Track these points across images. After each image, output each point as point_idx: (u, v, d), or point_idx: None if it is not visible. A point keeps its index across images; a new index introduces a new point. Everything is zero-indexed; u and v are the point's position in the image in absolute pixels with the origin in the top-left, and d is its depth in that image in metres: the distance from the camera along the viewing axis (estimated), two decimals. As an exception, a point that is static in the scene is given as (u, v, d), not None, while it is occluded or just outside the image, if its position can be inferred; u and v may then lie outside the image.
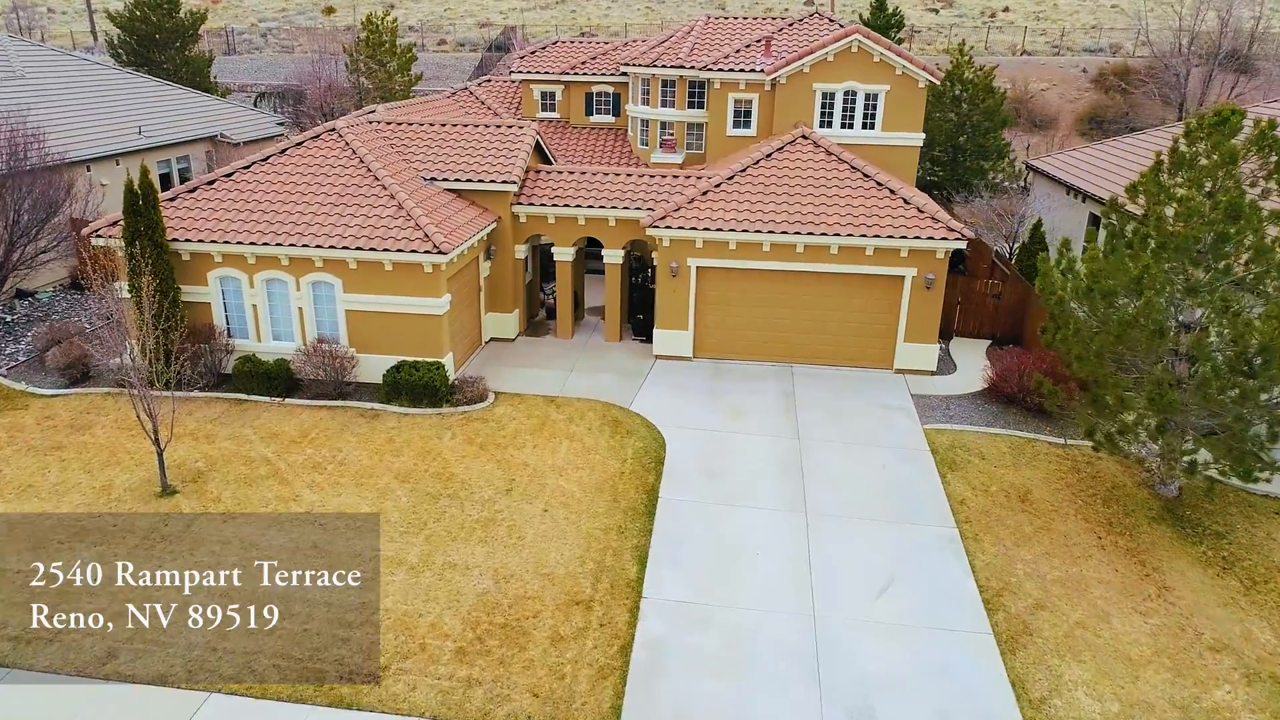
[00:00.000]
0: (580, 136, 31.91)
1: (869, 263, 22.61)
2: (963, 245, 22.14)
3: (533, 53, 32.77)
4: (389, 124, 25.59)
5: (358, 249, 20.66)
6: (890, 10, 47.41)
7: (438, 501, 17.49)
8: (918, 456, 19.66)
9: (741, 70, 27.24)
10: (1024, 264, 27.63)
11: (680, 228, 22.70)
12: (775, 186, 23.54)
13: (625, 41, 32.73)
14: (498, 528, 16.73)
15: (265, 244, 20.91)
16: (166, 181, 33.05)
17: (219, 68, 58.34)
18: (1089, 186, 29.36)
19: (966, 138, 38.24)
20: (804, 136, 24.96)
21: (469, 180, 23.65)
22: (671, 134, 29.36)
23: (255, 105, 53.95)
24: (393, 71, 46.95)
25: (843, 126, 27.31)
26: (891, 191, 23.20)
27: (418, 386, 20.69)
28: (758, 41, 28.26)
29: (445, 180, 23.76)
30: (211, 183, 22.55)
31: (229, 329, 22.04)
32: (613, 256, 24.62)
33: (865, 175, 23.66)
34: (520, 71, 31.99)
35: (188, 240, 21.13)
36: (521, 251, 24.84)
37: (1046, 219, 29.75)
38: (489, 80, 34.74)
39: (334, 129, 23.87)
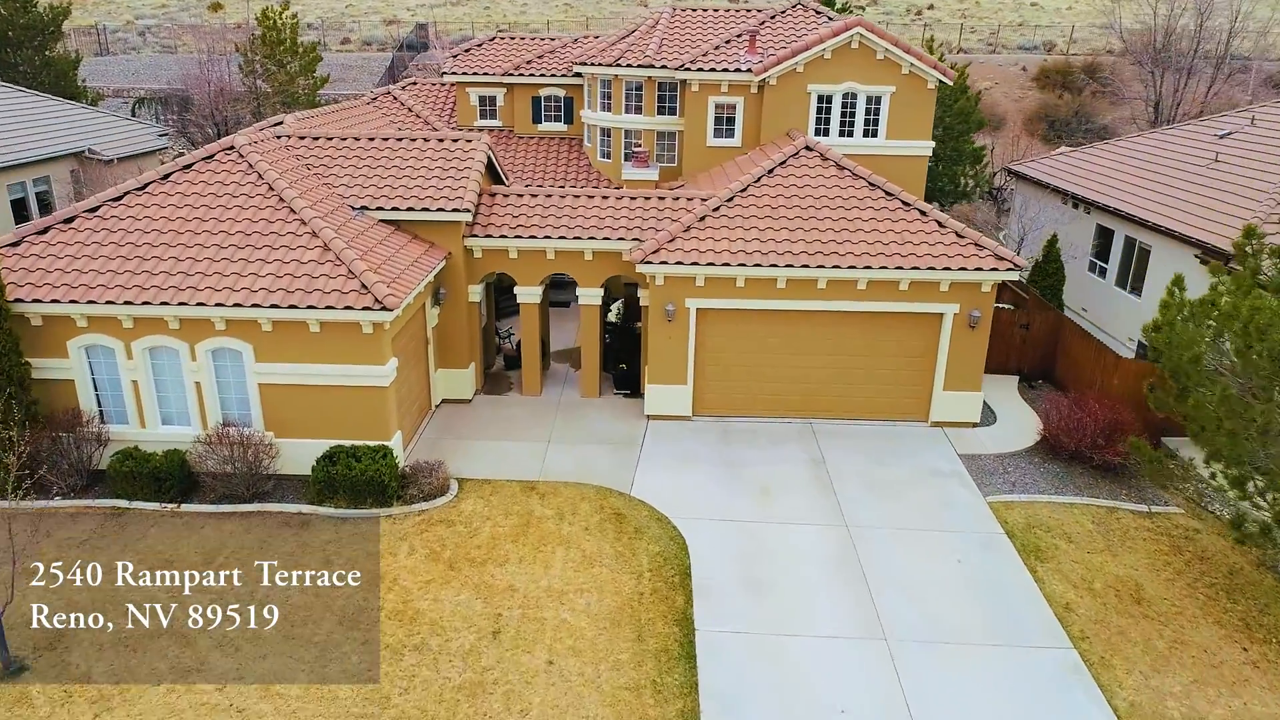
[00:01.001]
0: (528, 148, 27.19)
1: (903, 299, 18.72)
2: (1015, 276, 18.44)
3: (468, 50, 27.88)
4: (303, 139, 20.44)
5: (273, 306, 15.59)
6: (840, 6, 44.00)
7: (401, 659, 12.69)
8: (994, 542, 15.80)
9: (724, 70, 23.02)
10: (1041, 286, 24.27)
11: (678, 263, 18.34)
12: (785, 209, 19.41)
13: (575, 38, 28.16)
14: (490, 697, 12.06)
15: (146, 303, 15.65)
16: (21, 210, 26.88)
17: (89, 70, 51.08)
18: (1101, 197, 26.22)
19: (937, 142, 34.97)
20: (808, 148, 20.92)
21: (410, 209, 18.76)
22: (640, 145, 24.94)
23: (134, 113, 47.15)
24: (294, 73, 41.12)
25: (841, 134, 23.41)
26: (922, 213, 19.35)
27: (359, 483, 15.77)
28: (739, 36, 24.10)
29: (380, 210, 18.81)
30: (70, 220, 17.07)
31: (101, 414, 16.65)
32: (589, 296, 20.08)
33: (888, 194, 19.75)
34: (454, 72, 27.08)
35: (36, 300, 15.68)
36: (476, 293, 20.08)
37: (1037, 231, 26.56)
38: (415, 83, 29.65)
39: (233, 146, 18.64)
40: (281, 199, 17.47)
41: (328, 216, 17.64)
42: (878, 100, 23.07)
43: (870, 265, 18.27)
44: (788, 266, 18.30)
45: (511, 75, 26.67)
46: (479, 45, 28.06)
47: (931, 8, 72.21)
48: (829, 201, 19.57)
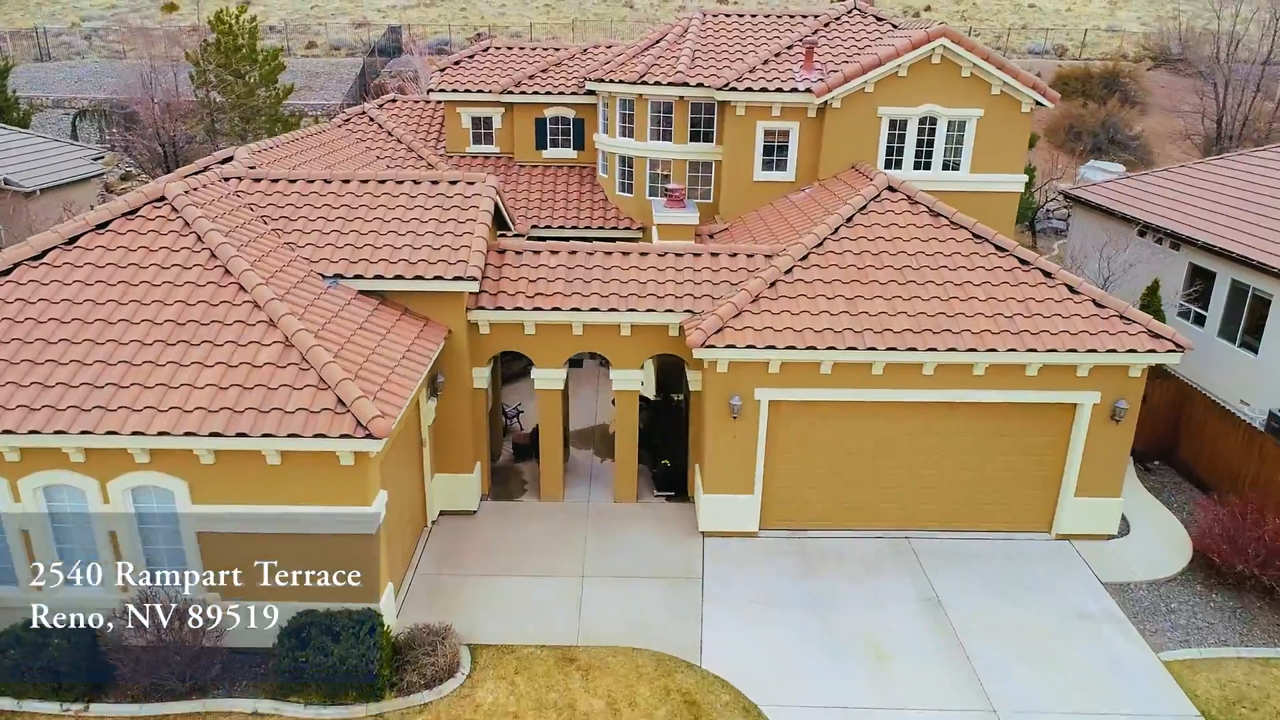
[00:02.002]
0: (532, 179, 22.76)
1: (1030, 386, 14.60)
2: (1176, 359, 14.39)
3: (457, 63, 23.38)
4: (257, 181, 15.89)
5: (213, 435, 11.10)
6: (856, 8, 39.83)
7: None
8: (1191, 732, 11.76)
9: (777, 90, 18.75)
10: (1145, 342, 20.27)
11: (749, 346, 14.08)
12: (874, 269, 15.21)
13: (585, 48, 23.72)
14: None
15: (34, 431, 11.08)
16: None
17: (25, 78, 45.77)
18: (1198, 233, 22.32)
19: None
20: (891, 188, 16.75)
21: (399, 277, 14.28)
22: (673, 180, 20.65)
23: (74, 128, 42.02)
24: (254, 84, 36.27)
25: (917, 165, 19.26)
26: (1046, 275, 15.25)
27: (338, 671, 11.34)
28: (790, 49, 19.85)
29: (360, 279, 14.34)
30: (-66, 306, 12.44)
31: (-24, 576, 12.08)
32: (626, 380, 15.76)
33: (999, 248, 15.63)
34: (442, 89, 22.57)
35: (-126, 430, 11.08)
36: (482, 377, 15.68)
37: (1096, 263, 22.61)
38: (394, 100, 25.07)
39: (164, 197, 14.05)
40: (227, 270, 12.95)
41: (290, 293, 13.14)
42: (961, 126, 18.94)
43: (994, 346, 14.12)
44: (889, 350, 14.10)
45: (511, 93, 22.22)
46: (470, 57, 23.56)
47: (929, 9, 68.51)
48: (928, 260, 15.39)
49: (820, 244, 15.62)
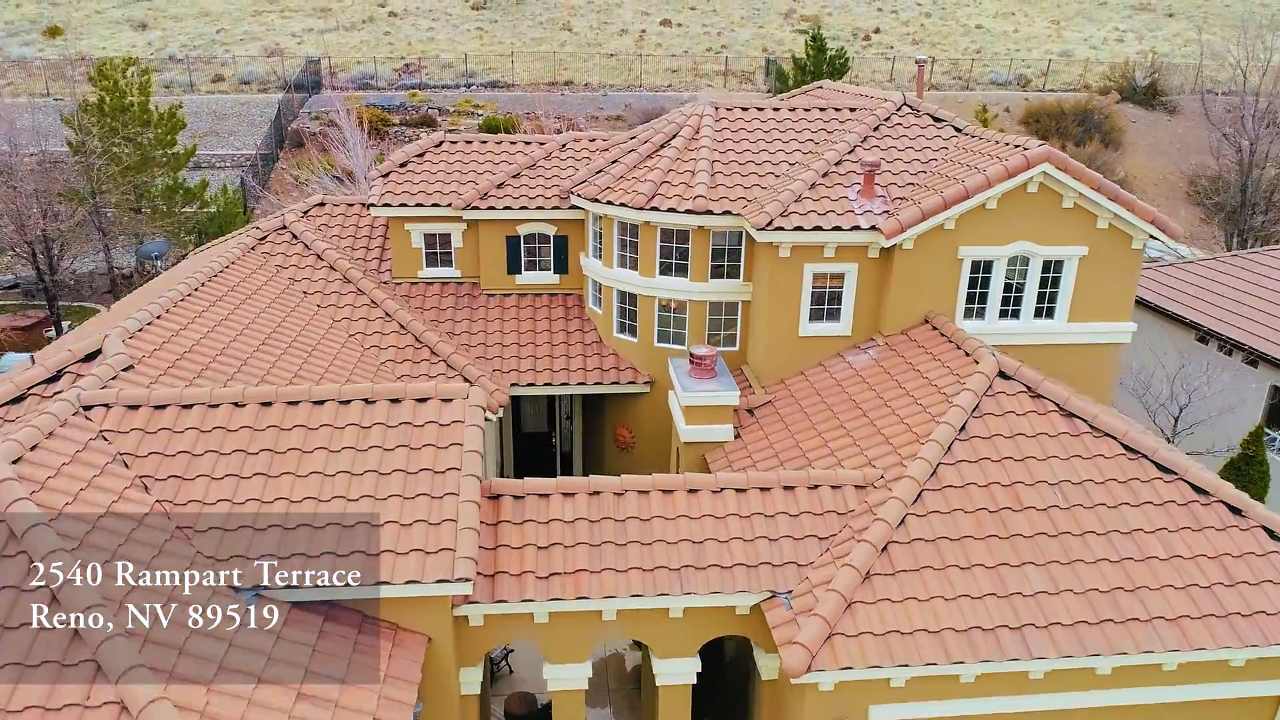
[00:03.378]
0: (504, 313, 17.89)
1: (1230, 679, 10.61)
2: None
3: (404, 165, 18.30)
4: (133, 410, 10.72)
5: None
6: (833, 52, 35.97)
7: None
8: None
9: (835, 229, 14.33)
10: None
11: (873, 665, 9.67)
12: (1013, 513, 10.96)
13: (565, 141, 18.84)
14: None
15: None
16: None
17: None
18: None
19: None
20: (1003, 374, 12.57)
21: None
22: (693, 340, 16.10)
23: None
24: (151, 146, 30.37)
25: (1003, 315, 15.11)
26: (1235, 511, 11.25)
27: None
28: (838, 164, 15.44)
29: (294, 587, 9.41)
30: None
31: None
32: (676, 673, 11.19)
33: (1164, 470, 11.57)
34: (387, 203, 17.53)
35: None
36: (472, 681, 10.93)
37: (1167, 385, 19.12)
38: (321, 204, 19.83)
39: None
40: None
41: (177, 625, 8.20)
42: (1059, 266, 14.86)
43: (1202, 645, 10.04)
44: (1065, 657, 9.89)
45: (477, 208, 17.32)
46: (419, 155, 18.50)
47: (878, 31, 65.39)
48: (1078, 494, 11.22)
49: (933, 473, 11.31)
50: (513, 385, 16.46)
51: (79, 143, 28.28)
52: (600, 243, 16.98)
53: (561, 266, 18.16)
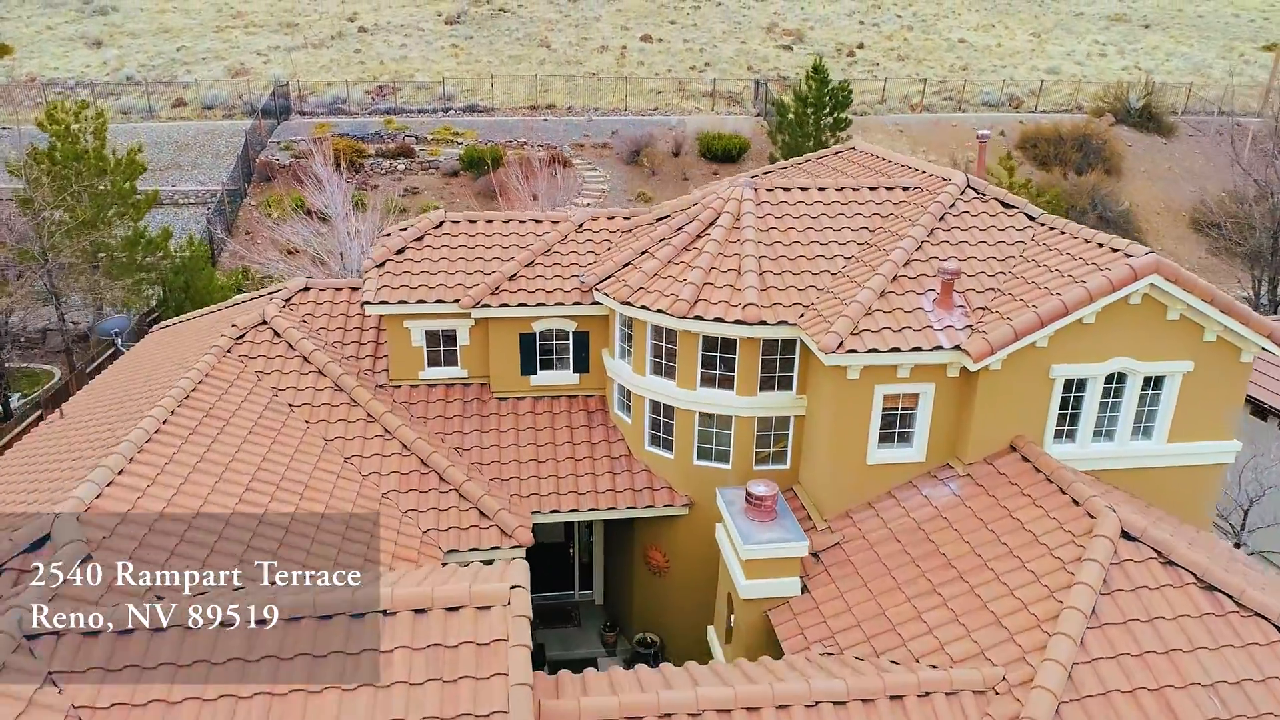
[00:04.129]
0: (518, 419, 15.69)
1: None
2: None
3: (401, 252, 16.03)
4: (48, 639, 8.45)
5: None
6: (834, 85, 34.08)
7: None
8: None
9: (915, 349, 12.37)
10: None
11: None
12: (1170, 734, 9.11)
13: (582, 221, 16.64)
14: None
15: None
16: None
17: None
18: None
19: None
20: (1127, 535, 10.70)
21: None
22: (740, 461, 14.08)
23: None
24: (109, 195, 27.66)
25: (1097, 436, 13.26)
26: None
27: None
28: (906, 265, 13.46)
29: None
30: None
31: None
32: None
33: (1331, 661, 9.77)
34: (384, 300, 15.26)
35: None
36: None
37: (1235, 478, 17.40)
38: (305, 289, 17.48)
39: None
40: None
41: None
42: (1159, 383, 13.04)
43: None
44: None
45: (488, 305, 15.11)
46: (417, 240, 16.22)
47: (862, 46, 63.80)
48: (1246, 706, 9.37)
49: (1068, 676, 9.38)
50: (534, 514, 14.30)
51: (28, 198, 25.50)
52: (629, 345, 14.88)
53: (582, 365, 16.02)
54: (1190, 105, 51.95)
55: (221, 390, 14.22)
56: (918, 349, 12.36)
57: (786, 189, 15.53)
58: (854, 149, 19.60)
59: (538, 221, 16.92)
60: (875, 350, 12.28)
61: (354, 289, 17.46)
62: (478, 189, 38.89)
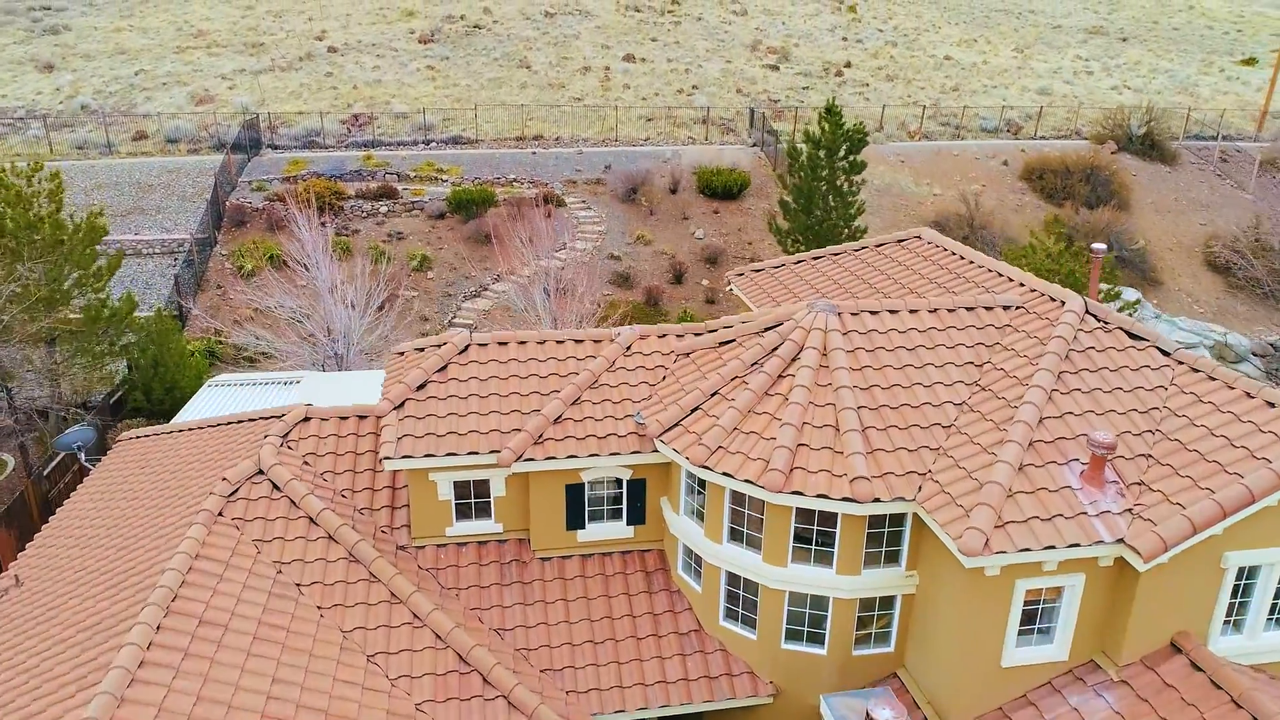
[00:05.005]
0: (565, 584, 13.25)
1: None
2: None
3: (421, 388, 13.49)
4: None
5: None
6: (849, 126, 31.97)
7: None
8: None
9: (1072, 544, 10.18)
10: None
11: None
12: None
13: (628, 345, 14.22)
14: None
15: None
16: None
17: None
18: None
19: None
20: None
21: None
22: (838, 646, 11.82)
23: None
24: (64, 264, 24.61)
25: (1269, 624, 11.21)
26: None
27: None
28: (1040, 423, 11.26)
29: None
30: None
31: None
32: None
33: None
34: (405, 452, 12.74)
35: None
36: None
37: None
38: (306, 420, 14.85)
39: None
40: None
41: None
42: (1340, 564, 11.02)
43: None
44: None
45: (533, 459, 12.67)
46: (440, 371, 13.71)
47: (849, 65, 61.89)
48: None
49: None
50: (595, 717, 11.91)
51: (-27, 276, 22.46)
52: (702, 505, 12.53)
53: (637, 516, 13.64)
54: (1187, 129, 50.70)
55: (215, 579, 11.61)
56: (1075, 545, 10.16)
57: (874, 312, 13.27)
58: (919, 237, 17.38)
59: (577, 342, 14.47)
60: (1027, 549, 10.06)
61: (361, 417, 14.88)
62: (467, 233, 36.23)
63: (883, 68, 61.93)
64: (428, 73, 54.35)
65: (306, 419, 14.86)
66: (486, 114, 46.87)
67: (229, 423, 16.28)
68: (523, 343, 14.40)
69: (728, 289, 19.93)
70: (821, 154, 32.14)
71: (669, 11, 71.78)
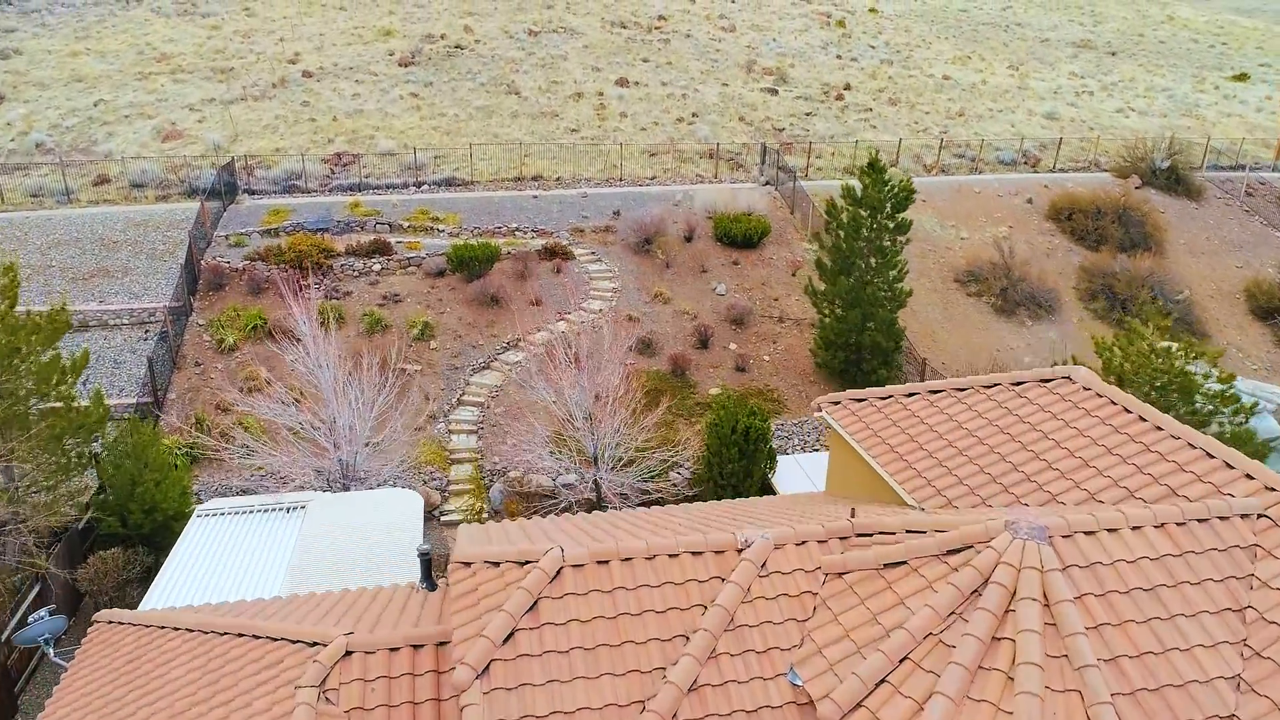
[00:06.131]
0: None
1: None
2: None
3: (507, 640, 10.18)
4: None
5: None
6: (894, 184, 29.10)
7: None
8: None
9: None
10: None
11: None
12: None
13: (761, 561, 11.09)
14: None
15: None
16: None
17: None
18: None
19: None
20: None
21: None
22: None
23: None
24: (26, 379, 20.81)
25: None
26: None
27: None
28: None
29: None
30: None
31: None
32: None
33: None
34: (500, 751, 9.46)
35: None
36: None
37: None
38: (348, 655, 11.48)
39: None
40: None
41: None
42: None
43: None
44: None
45: (664, 753, 9.50)
46: (529, 612, 10.45)
47: (849, 88, 59.14)
48: None
49: None
50: None
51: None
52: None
53: (788, 794, 10.50)
54: (1204, 158, 48.70)
55: None
56: None
57: (1089, 532, 10.25)
58: (1069, 378, 14.42)
59: (694, 554, 11.27)
60: None
61: (416, 647, 11.57)
62: (470, 294, 32.76)
63: (883, 90, 59.32)
64: (411, 100, 50.56)
65: (348, 653, 11.49)
66: (481, 150, 43.29)
67: (239, 632, 12.86)
68: (627, 559, 11.15)
69: (816, 414, 16.88)
70: (864, 213, 29.26)
71: (656, 29, 68.51)
